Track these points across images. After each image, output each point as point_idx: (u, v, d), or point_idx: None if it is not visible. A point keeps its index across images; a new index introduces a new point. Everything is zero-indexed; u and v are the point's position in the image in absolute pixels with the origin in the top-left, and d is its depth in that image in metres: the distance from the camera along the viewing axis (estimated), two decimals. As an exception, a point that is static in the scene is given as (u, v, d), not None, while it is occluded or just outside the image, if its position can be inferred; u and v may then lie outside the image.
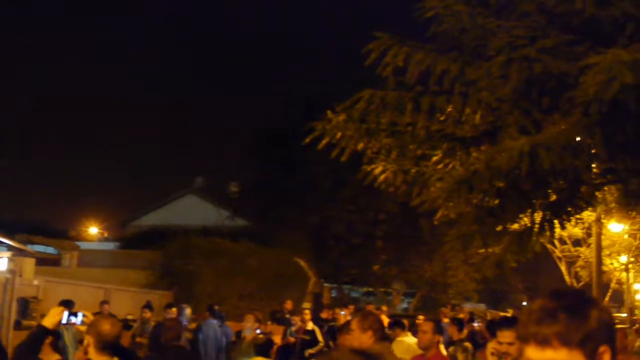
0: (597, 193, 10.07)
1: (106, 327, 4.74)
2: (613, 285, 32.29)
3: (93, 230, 58.47)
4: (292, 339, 15.82)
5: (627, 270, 31.32)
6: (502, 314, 25.83)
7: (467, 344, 14.25)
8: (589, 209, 11.33)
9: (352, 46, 11.75)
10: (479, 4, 9.15)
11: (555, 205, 9.43)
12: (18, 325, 14.34)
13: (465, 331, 15.14)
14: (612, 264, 30.29)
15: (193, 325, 15.66)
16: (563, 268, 30.62)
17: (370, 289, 44.42)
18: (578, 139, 7.43)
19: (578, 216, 12.30)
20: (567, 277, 30.64)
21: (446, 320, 19.17)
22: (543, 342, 2.09)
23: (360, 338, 6.20)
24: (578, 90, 7.13)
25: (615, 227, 26.96)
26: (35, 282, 16.61)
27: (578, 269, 30.81)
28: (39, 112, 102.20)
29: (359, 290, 47.59)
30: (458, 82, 8.84)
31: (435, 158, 9.75)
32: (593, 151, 7.98)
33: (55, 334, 5.01)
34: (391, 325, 12.56)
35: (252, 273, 25.22)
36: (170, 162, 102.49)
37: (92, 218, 58.56)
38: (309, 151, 17.38)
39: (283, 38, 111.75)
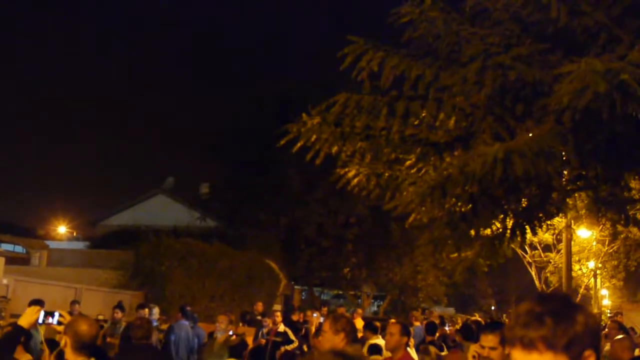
0: (567, 199, 10.18)
1: (84, 327, 4.73)
2: (581, 291, 32.61)
3: (62, 229, 57.95)
4: (263, 341, 15.80)
5: (595, 276, 31.66)
6: (473, 318, 25.95)
7: (431, 347, 14.41)
8: (560, 215, 11.45)
9: (328, 49, 11.78)
10: (453, 10, 9.22)
11: (527, 211, 9.53)
12: (-13, 325, 14.21)
13: (438, 334, 15.28)
14: (580, 269, 30.60)
15: (164, 326, 15.60)
16: (533, 273, 30.88)
17: (340, 292, 44.51)
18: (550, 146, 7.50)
19: (549, 222, 12.44)
20: (537, 282, 30.90)
21: (417, 323, 19.31)
22: (529, 346, 2.12)
23: (333, 340, 6.24)
24: (552, 98, 7.21)
25: (584, 234, 27.30)
26: (5, 282, 16.49)
27: (548, 274, 31.09)
28: (6, 109, 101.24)
29: (329, 292, 47.67)
30: (432, 88, 8.90)
31: (408, 162, 9.81)
32: (565, 158, 8.07)
33: (27, 334, 4.97)
34: (363, 328, 12.64)
35: (223, 274, 25.17)
36: (140, 161, 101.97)
37: (60, 217, 58.06)
38: (280, 153, 17.40)
39: (258, 40, 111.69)
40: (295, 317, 20.66)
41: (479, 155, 7.63)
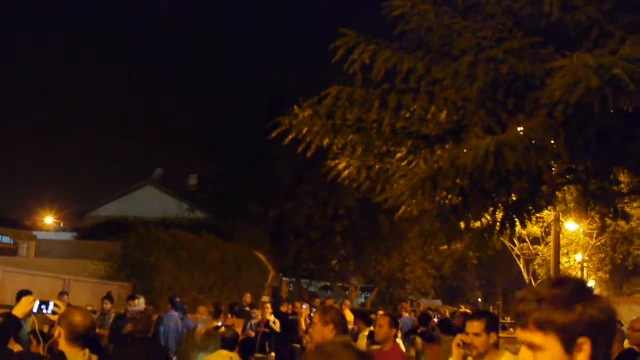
0: (557, 193, 10.23)
1: (78, 318, 4.73)
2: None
3: (49, 220, 57.74)
4: (252, 333, 15.84)
5: (582, 268, 31.84)
6: (461, 310, 26.06)
7: (418, 339, 14.53)
8: (549, 208, 11.50)
9: (321, 43, 11.78)
10: (445, 4, 9.23)
11: (517, 204, 9.57)
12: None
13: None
14: (568, 262, 30.74)
15: (154, 317, 15.58)
16: (522, 266, 31.00)
17: (328, 284, 44.56)
18: (542, 139, 7.55)
19: (538, 215, 12.49)
20: (525, 275, 31.03)
21: (406, 314, 19.45)
22: (523, 325, 2.28)
23: (322, 332, 6.27)
24: (544, 92, 7.25)
25: (572, 227, 27.46)
26: (-7, 272, 16.45)
27: (536, 267, 31.22)
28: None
29: (317, 284, 47.72)
30: (424, 81, 8.92)
31: (399, 155, 9.83)
32: (555, 152, 8.11)
33: (17, 325, 4.97)
34: (357, 319, 12.70)
35: (212, 266, 25.17)
36: (127, 153, 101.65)
37: (48, 208, 57.83)
38: (270, 145, 17.42)
39: (251, 34, 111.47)
40: (284, 309, 20.69)
41: (471, 148, 7.66)
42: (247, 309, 19.22)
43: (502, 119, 8.30)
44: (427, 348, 13.96)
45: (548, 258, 26.21)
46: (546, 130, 7.48)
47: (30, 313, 4.93)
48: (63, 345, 4.71)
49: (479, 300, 70.80)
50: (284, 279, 40.65)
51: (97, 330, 14.40)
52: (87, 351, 4.77)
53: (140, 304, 14.45)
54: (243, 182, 34.44)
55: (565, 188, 10.88)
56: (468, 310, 20.32)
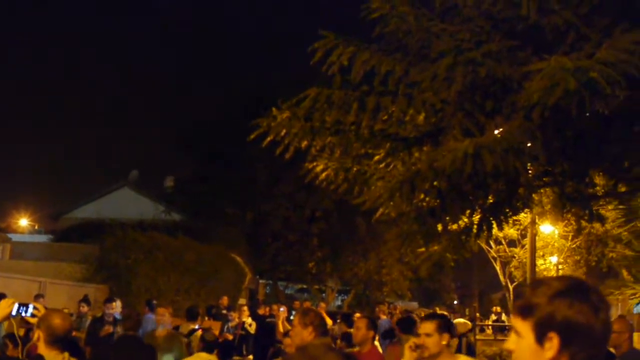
0: (534, 195, 10.30)
1: (57, 321, 4.71)
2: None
3: (23, 222, 57.25)
4: (229, 335, 15.81)
5: (557, 270, 32.00)
6: (438, 312, 26.18)
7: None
8: (526, 210, 11.57)
9: (300, 45, 11.78)
10: (423, 6, 9.26)
11: (494, 207, 9.62)
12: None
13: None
14: (543, 264, 30.87)
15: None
16: (498, 268, 31.11)
17: (305, 286, 44.55)
18: (519, 142, 7.59)
19: (515, 218, 12.55)
20: (501, 277, 31.15)
21: (384, 317, 19.48)
22: (512, 310, 2.52)
23: (301, 334, 6.29)
24: (521, 94, 7.30)
25: (547, 229, 27.63)
26: (-33, 275, 16.30)
27: (512, 269, 31.33)
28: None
29: (294, 287, 47.68)
30: (402, 83, 8.94)
31: (377, 157, 9.85)
32: (533, 154, 8.16)
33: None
34: (340, 320, 12.75)
35: (189, 268, 25.11)
36: (104, 154, 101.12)
37: (22, 210, 57.31)
38: (247, 147, 17.40)
39: (228, 35, 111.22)
40: (261, 311, 20.69)
41: (449, 150, 7.70)
42: (224, 311, 19.19)
43: (480, 121, 8.34)
44: (390, 348, 13.97)
45: (524, 260, 26.31)
46: (523, 133, 7.53)
47: (8, 316, 4.89)
48: (42, 349, 4.68)
49: (455, 302, 71.06)
50: (261, 281, 40.59)
51: (74, 333, 14.32)
52: (66, 354, 4.74)
53: (117, 306, 14.38)
54: (219, 183, 34.38)
55: (542, 190, 10.96)
56: (445, 312, 20.40)
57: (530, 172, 9.29)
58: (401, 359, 6.29)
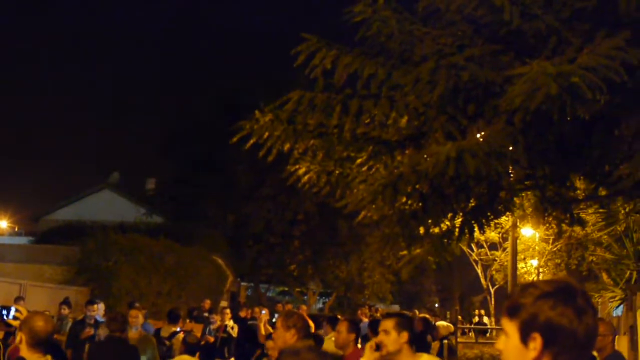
0: (515, 199, 10.35)
1: (40, 323, 4.69)
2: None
3: (3, 224, 56.94)
4: (211, 338, 15.78)
5: (538, 273, 32.23)
6: (421, 315, 26.24)
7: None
8: (507, 214, 11.63)
9: (282, 48, 11.78)
10: (406, 10, 9.28)
11: (476, 210, 9.66)
12: None
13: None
14: (524, 267, 31.09)
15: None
16: (479, 271, 31.30)
17: (286, 289, 44.55)
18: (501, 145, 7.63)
19: (497, 221, 12.60)
20: (482, 280, 31.32)
21: (365, 319, 19.50)
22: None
23: (284, 336, 6.32)
24: (503, 99, 7.33)
25: (528, 232, 27.82)
26: (-54, 277, 16.18)
27: (493, 272, 31.52)
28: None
29: (275, 289, 47.68)
30: (385, 87, 8.97)
31: (359, 160, 9.86)
32: (514, 158, 8.21)
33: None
34: (326, 322, 12.75)
35: (170, 270, 25.07)
36: (85, 155, 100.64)
37: (1, 211, 56.97)
38: (228, 149, 17.40)
39: (210, 38, 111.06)
40: (242, 314, 20.66)
41: (432, 154, 7.73)
42: (206, 314, 19.16)
43: (462, 125, 8.38)
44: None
45: (505, 263, 26.50)
46: (505, 137, 7.57)
47: None
48: (24, 351, 4.66)
49: (436, 305, 71.20)
50: (242, 283, 40.54)
51: (55, 336, 14.24)
52: (48, 357, 4.73)
53: (99, 308, 14.31)
54: (200, 185, 34.34)
55: (523, 194, 11.01)
56: (427, 316, 20.46)
57: (511, 175, 9.34)
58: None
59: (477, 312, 42.40)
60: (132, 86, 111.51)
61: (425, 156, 7.98)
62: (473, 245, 28.99)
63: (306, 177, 10.25)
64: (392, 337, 5.51)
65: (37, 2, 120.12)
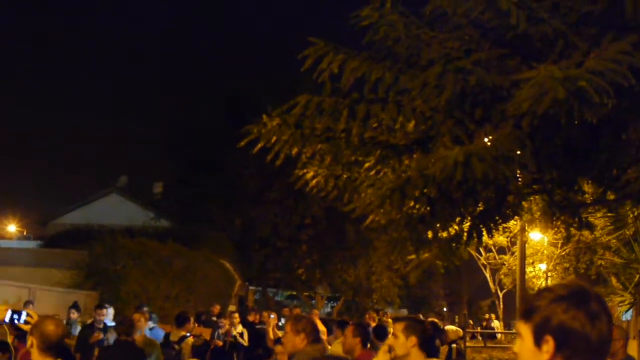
0: (523, 203, 10.34)
1: (50, 327, 4.71)
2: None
3: (12, 228, 57.06)
4: (219, 342, 15.78)
5: (547, 278, 32.17)
6: (430, 319, 26.23)
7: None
8: (515, 218, 11.61)
9: (288, 51, 11.80)
10: (412, 14, 9.28)
11: (484, 214, 9.65)
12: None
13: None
14: (532, 271, 31.02)
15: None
16: (488, 275, 31.24)
17: (294, 293, 44.53)
18: (509, 150, 7.63)
19: (505, 225, 12.59)
20: (491, 284, 31.28)
21: (373, 324, 19.45)
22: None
23: (294, 341, 6.32)
24: (511, 103, 7.33)
25: (537, 236, 27.76)
26: (-44, 281, 16.24)
27: (502, 276, 31.45)
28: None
29: (283, 293, 47.66)
30: (392, 91, 8.97)
31: (367, 165, 9.86)
32: (522, 162, 8.20)
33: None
34: (336, 326, 12.76)
35: (178, 274, 25.09)
36: (93, 159, 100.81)
37: (10, 216, 57.10)
38: (235, 152, 17.43)
39: (216, 41, 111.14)
40: (251, 318, 20.65)
41: (439, 158, 7.72)
42: (214, 318, 19.17)
43: (470, 129, 8.38)
44: (364, 353, 13.89)
45: (514, 267, 26.46)
46: (513, 141, 7.57)
47: (1, 323, 4.91)
48: (35, 355, 4.69)
49: (444, 309, 71.08)
50: (250, 287, 40.55)
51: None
52: (59, 360, 4.75)
53: (108, 313, 14.34)
54: (201, 185, 34.38)
55: (531, 198, 11.00)
56: (436, 320, 20.41)
57: (519, 179, 9.33)
58: None
59: (487, 316, 42.31)
60: (132, 86, 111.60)
61: (432, 160, 7.97)
62: (481, 250, 28.98)
63: (314, 181, 10.26)
64: (400, 340, 5.53)
65: (37, 2, 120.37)
